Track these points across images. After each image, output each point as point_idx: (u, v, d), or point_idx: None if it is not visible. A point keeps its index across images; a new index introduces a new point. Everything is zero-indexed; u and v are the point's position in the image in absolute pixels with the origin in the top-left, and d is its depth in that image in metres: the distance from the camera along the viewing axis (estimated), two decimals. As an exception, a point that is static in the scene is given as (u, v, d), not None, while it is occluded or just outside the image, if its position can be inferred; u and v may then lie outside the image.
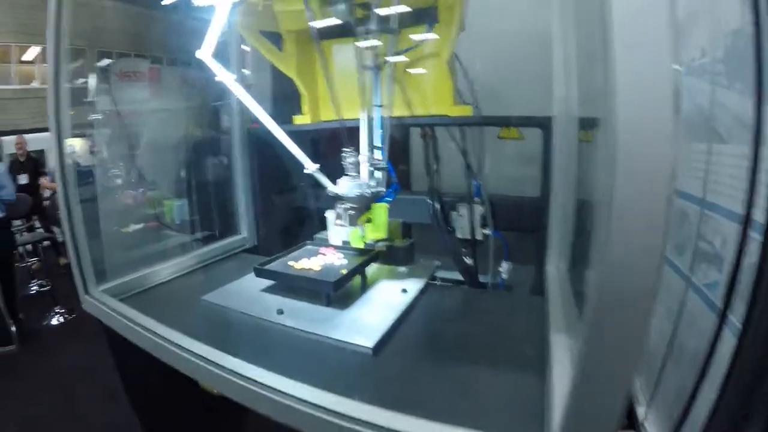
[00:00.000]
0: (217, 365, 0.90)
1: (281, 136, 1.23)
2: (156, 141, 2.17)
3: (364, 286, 1.34)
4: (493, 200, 1.69)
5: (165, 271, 1.53)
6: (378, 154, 1.36)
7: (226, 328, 1.17)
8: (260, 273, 1.31)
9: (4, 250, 3.47)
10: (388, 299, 1.24)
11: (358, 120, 1.44)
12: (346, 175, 1.26)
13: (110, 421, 2.29)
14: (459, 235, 1.77)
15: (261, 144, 1.91)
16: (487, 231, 1.74)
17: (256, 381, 0.84)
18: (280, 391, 0.80)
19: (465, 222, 1.77)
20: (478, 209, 1.74)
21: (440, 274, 1.60)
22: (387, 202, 1.37)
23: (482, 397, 0.84)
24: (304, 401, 0.78)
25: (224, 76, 1.14)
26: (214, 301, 1.28)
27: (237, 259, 1.80)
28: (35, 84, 9.81)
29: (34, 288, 4.52)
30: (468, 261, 1.75)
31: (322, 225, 1.70)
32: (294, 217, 2.02)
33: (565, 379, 0.66)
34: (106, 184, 2.05)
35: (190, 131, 2.16)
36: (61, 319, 3.91)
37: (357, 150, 1.38)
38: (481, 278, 1.75)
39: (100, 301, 1.32)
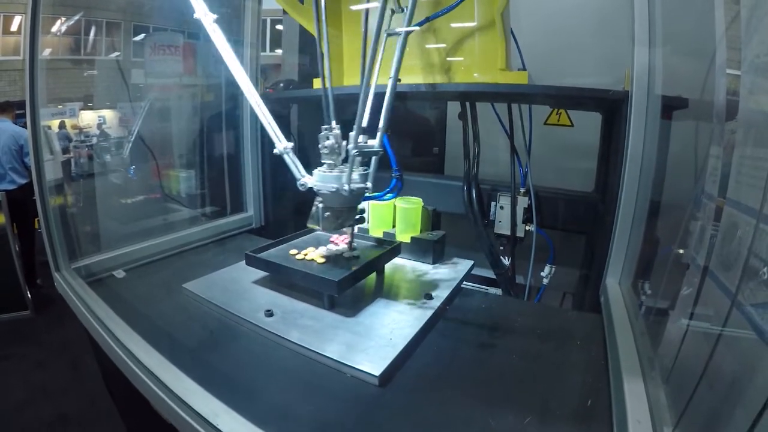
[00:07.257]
0: (165, 387, 0.66)
1: (257, 104, 0.93)
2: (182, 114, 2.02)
3: (380, 286, 1.08)
4: (538, 193, 1.41)
5: (154, 249, 1.31)
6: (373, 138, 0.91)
7: (199, 331, 0.92)
8: (252, 261, 1.06)
9: (28, 217, 3.41)
10: (407, 307, 0.97)
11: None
12: (324, 162, 0.94)
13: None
14: (497, 230, 1.49)
15: (275, 112, 1.66)
16: (530, 227, 1.45)
17: (205, 419, 0.59)
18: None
19: (506, 215, 1.48)
20: (522, 201, 1.45)
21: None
22: (382, 200, 1.06)
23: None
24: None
25: (203, 13, 0.87)
26: (195, 291, 1.05)
27: (238, 240, 1.56)
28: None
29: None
30: (505, 260, 1.46)
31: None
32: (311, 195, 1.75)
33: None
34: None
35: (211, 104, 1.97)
36: (78, 287, 3.81)
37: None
38: (518, 280, 1.47)
39: (67, 282, 1.11)
